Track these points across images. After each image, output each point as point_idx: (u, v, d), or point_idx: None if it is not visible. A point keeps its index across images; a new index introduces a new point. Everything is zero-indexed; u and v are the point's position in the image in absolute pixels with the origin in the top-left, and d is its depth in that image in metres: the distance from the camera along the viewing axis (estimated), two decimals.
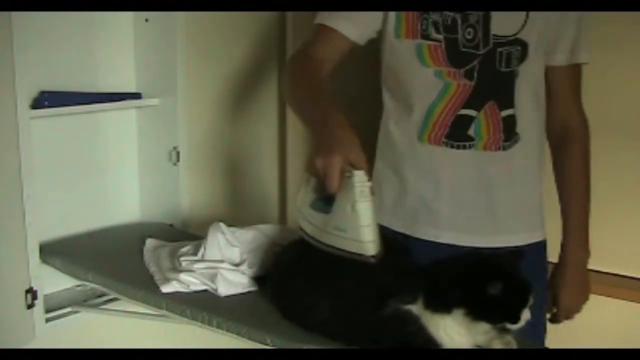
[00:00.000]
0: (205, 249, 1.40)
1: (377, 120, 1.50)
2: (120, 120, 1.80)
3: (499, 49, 1.34)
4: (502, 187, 1.40)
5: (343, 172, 1.08)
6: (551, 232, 1.49)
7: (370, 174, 1.11)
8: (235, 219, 1.56)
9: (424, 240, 1.41)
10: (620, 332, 1.89)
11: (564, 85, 1.45)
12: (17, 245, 1.45)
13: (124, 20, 1.75)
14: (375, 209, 1.10)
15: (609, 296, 1.86)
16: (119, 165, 1.82)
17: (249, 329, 1.20)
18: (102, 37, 1.72)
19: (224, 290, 1.32)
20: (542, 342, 1.46)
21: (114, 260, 1.54)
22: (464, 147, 1.37)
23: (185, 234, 1.69)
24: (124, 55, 1.77)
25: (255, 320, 1.23)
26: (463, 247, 1.38)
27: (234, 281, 1.34)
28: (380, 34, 1.40)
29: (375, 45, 1.44)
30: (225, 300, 1.31)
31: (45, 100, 1.53)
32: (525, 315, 1.04)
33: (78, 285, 1.62)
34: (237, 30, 1.93)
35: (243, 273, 1.36)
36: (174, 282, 1.34)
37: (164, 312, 1.33)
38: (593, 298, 1.52)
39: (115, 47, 1.75)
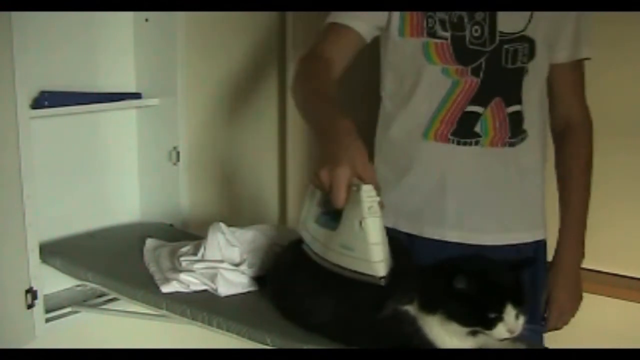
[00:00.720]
0: (205, 249, 1.40)
1: (376, 120, 1.50)
2: (120, 120, 1.80)
3: (505, 46, 1.34)
4: (508, 183, 1.40)
5: (350, 185, 1.01)
6: (551, 232, 1.49)
7: (378, 188, 1.02)
8: (235, 219, 1.55)
9: (430, 240, 1.40)
10: (620, 332, 1.89)
11: (566, 82, 1.45)
12: (17, 245, 1.44)
13: (124, 20, 1.75)
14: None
15: (609, 296, 1.86)
16: (119, 165, 1.82)
17: (249, 329, 1.20)
18: (102, 37, 1.72)
19: (224, 290, 1.32)
20: (541, 342, 1.45)
21: (114, 260, 1.54)
22: (470, 144, 1.37)
23: (185, 234, 1.69)
24: (124, 55, 1.77)
25: (255, 320, 1.22)
26: (469, 245, 1.37)
27: (234, 281, 1.34)
28: (383, 30, 1.40)
29: (375, 45, 1.44)
30: (225, 300, 1.31)
31: (45, 100, 1.53)
32: (511, 324, 0.98)
33: (78, 285, 1.62)
34: (237, 30, 1.93)
35: (243, 273, 1.35)
36: (174, 282, 1.34)
37: (164, 312, 1.33)
38: (593, 298, 1.52)
39: (115, 47, 1.75)
